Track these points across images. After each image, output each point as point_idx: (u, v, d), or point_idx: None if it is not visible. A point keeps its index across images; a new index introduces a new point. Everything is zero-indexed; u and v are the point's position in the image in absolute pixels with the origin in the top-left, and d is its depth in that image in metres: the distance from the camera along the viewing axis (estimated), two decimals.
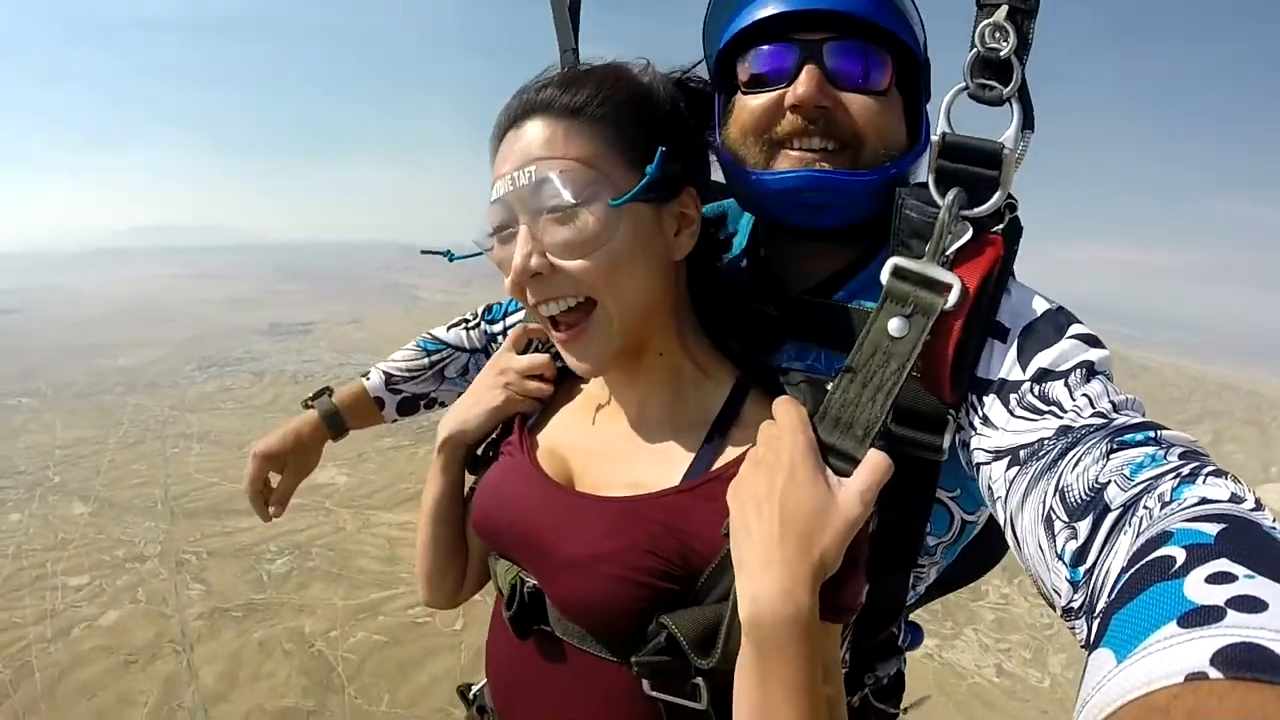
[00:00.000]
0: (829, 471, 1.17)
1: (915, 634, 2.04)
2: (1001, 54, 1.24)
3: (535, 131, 1.28)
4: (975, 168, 1.27)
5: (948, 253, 1.27)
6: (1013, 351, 1.28)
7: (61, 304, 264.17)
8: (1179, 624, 0.62)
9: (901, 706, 1.98)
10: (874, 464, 1.16)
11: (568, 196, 1.24)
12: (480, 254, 1.51)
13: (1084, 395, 1.17)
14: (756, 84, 1.49)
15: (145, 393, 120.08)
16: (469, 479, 1.73)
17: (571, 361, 1.39)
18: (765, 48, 1.47)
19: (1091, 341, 1.26)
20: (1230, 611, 0.61)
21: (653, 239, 1.34)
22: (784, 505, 1.11)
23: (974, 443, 1.29)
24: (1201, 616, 0.62)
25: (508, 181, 1.28)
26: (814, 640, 1.07)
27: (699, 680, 1.22)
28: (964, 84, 1.28)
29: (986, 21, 1.24)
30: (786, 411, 1.23)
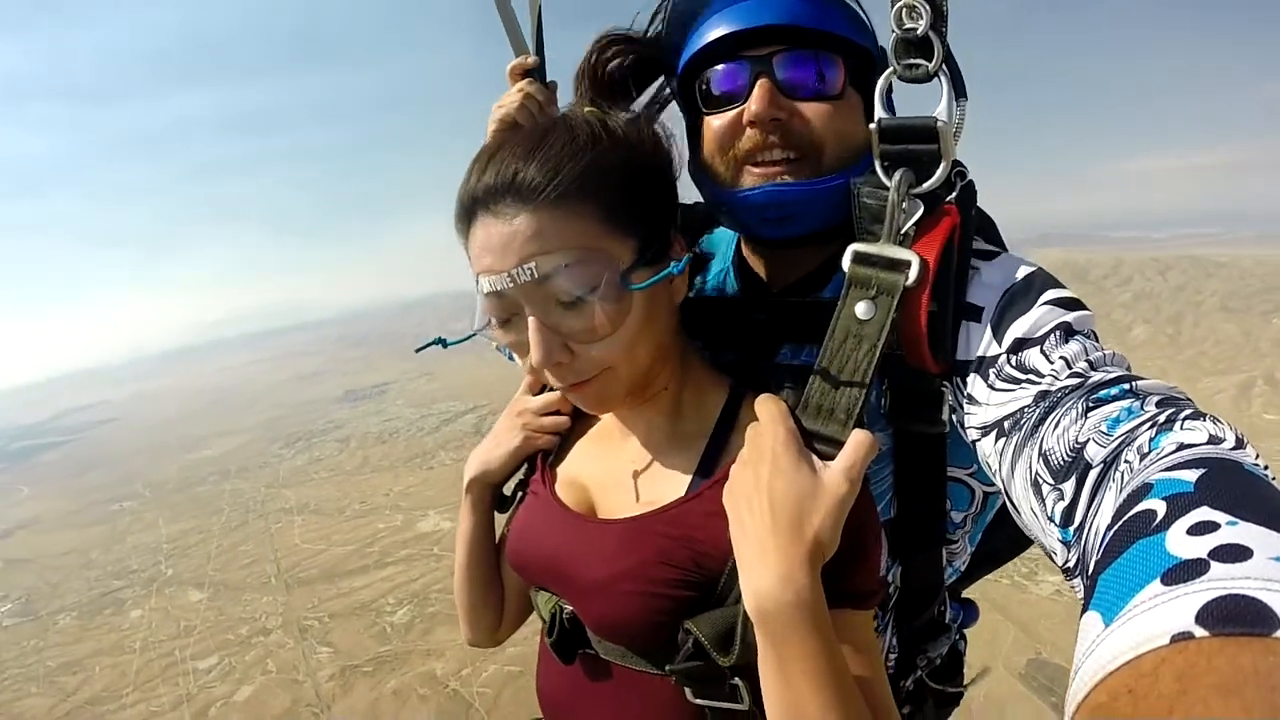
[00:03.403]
0: (814, 457, 1.18)
1: (968, 611, 2.04)
2: (919, 31, 1.23)
3: (517, 220, 1.22)
4: (916, 145, 1.27)
5: (903, 231, 1.28)
6: (988, 328, 1.31)
7: (149, 407, 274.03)
8: (1163, 581, 0.61)
9: (963, 684, 2.01)
10: (857, 442, 1.17)
11: (578, 290, 1.22)
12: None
13: (1061, 358, 1.18)
14: (716, 103, 1.52)
15: (239, 477, 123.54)
16: (500, 517, 1.80)
17: (579, 405, 1.42)
18: (719, 68, 1.50)
19: (1068, 304, 1.27)
20: (1213, 563, 0.60)
21: (659, 299, 1.35)
22: (771, 495, 1.13)
23: (965, 422, 1.32)
24: (1185, 571, 0.61)
25: (505, 278, 1.22)
26: (823, 622, 1.08)
27: (737, 681, 1.24)
28: (892, 68, 1.29)
29: (900, 3, 1.24)
30: (765, 408, 1.25)
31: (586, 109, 1.43)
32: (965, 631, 2.04)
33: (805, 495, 1.12)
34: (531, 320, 1.24)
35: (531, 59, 1.77)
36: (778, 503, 1.12)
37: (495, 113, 1.72)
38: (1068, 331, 1.22)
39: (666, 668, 1.28)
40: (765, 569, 1.10)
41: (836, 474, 1.14)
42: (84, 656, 64.92)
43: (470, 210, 1.29)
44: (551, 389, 1.73)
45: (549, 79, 1.81)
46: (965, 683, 2.01)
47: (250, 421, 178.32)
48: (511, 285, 1.22)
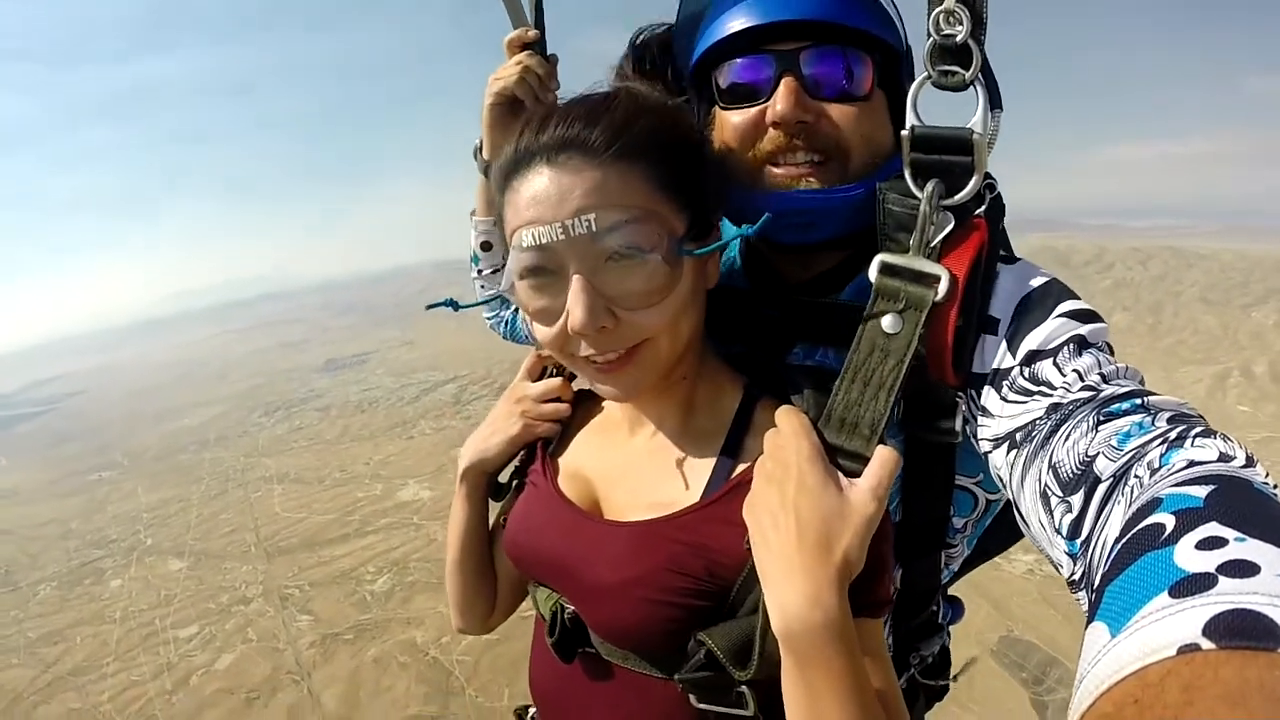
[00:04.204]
0: (839, 473, 1.17)
1: (956, 609, 2.05)
2: (958, 39, 1.19)
3: (579, 173, 1.19)
4: (949, 156, 1.24)
5: (933, 244, 1.25)
6: (1004, 341, 1.28)
7: (120, 378, 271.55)
8: (1170, 594, 0.62)
9: (951, 675, 2.01)
10: (883, 460, 1.15)
11: (636, 247, 1.19)
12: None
13: (1074, 370, 1.16)
14: (734, 98, 1.45)
15: (218, 446, 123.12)
16: (494, 506, 1.76)
17: (605, 390, 1.35)
18: (740, 61, 1.43)
19: (1082, 317, 1.25)
20: (1221, 578, 0.60)
21: (700, 275, 1.33)
22: (798, 514, 1.11)
23: (978, 433, 1.30)
24: (1193, 585, 0.61)
25: (557, 229, 1.17)
26: (850, 640, 1.07)
27: (744, 689, 1.22)
28: (927, 74, 1.24)
29: (939, 8, 1.20)
30: (789, 420, 1.23)
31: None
32: (951, 628, 2.06)
33: (833, 515, 1.10)
34: (576, 278, 1.19)
35: (531, 32, 1.72)
36: (805, 522, 1.10)
37: (492, 85, 1.69)
38: (1081, 344, 1.20)
39: (675, 676, 1.25)
40: (793, 589, 1.08)
41: (864, 493, 1.12)
42: (64, 627, 64.93)
43: (524, 162, 1.24)
44: (554, 374, 1.70)
45: (550, 52, 1.75)
46: (953, 675, 2.03)
47: (227, 391, 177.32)
48: (563, 237, 1.17)
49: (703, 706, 1.27)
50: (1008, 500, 1.57)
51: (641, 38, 1.65)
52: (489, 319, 2.34)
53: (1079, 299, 1.28)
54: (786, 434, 1.21)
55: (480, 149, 1.86)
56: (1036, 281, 1.32)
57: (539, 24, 1.74)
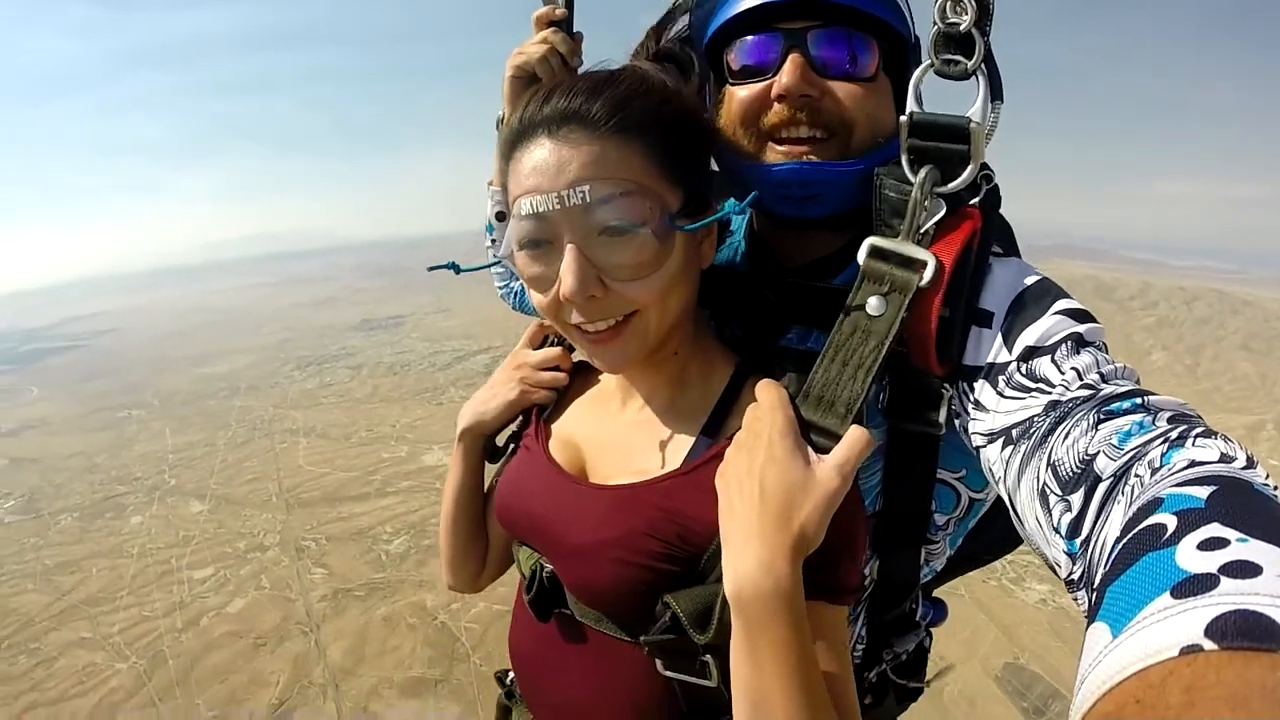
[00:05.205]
0: (809, 448, 1.18)
1: (937, 610, 2.07)
2: (961, 28, 1.21)
3: (578, 146, 1.22)
4: (946, 144, 1.25)
5: (924, 229, 1.27)
6: (999, 335, 1.28)
7: (155, 320, 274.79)
8: (1172, 595, 0.61)
9: (925, 680, 2.04)
10: (853, 439, 1.16)
11: (629, 219, 1.21)
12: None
13: (1072, 368, 1.16)
14: (744, 75, 1.48)
15: (248, 395, 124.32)
16: (489, 468, 1.81)
17: (597, 361, 1.39)
18: (750, 39, 1.46)
19: (1078, 316, 1.24)
20: (1223, 579, 0.60)
21: (693, 253, 1.36)
22: (763, 482, 1.13)
23: (970, 428, 1.30)
24: (1195, 585, 0.61)
25: (553, 198, 1.20)
26: (799, 614, 1.08)
27: (708, 658, 1.24)
28: (930, 61, 1.25)
29: None
30: (766, 393, 1.25)
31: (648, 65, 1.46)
32: (933, 629, 2.07)
33: (796, 486, 1.12)
34: (570, 247, 1.22)
35: (560, 10, 1.72)
36: (768, 490, 1.12)
37: (514, 59, 1.71)
38: (1079, 342, 1.20)
39: (641, 638, 1.29)
40: (748, 554, 1.10)
41: (829, 469, 1.14)
42: (82, 557, 65.77)
43: (526, 133, 1.27)
44: (553, 344, 1.76)
45: (575, 30, 1.74)
46: (927, 679, 2.05)
47: (261, 341, 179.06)
48: (558, 207, 1.20)
49: (669, 674, 1.30)
50: (996, 504, 1.67)
51: (664, 37, 1.65)
52: (500, 288, 2.40)
53: (1073, 298, 1.29)
54: (763, 406, 1.24)
55: (502, 121, 1.82)
56: (1031, 279, 1.33)
57: (569, 2, 1.75)
